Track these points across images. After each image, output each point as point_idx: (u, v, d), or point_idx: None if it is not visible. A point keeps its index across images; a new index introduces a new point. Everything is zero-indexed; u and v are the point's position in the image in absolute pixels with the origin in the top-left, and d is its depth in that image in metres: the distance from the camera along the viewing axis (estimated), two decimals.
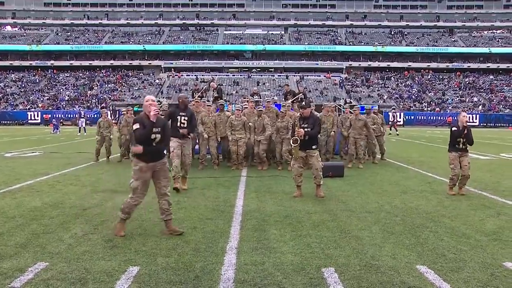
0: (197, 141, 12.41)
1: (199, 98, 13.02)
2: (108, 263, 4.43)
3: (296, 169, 7.92)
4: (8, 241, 5.15)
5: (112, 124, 13.78)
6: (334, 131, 12.80)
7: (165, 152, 5.63)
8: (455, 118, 8.58)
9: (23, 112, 53.62)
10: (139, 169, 5.36)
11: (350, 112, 13.38)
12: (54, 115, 47.83)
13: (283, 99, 15.05)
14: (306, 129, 7.71)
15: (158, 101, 17.13)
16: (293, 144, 7.64)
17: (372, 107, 15.54)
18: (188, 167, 8.75)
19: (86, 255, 4.66)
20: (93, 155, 13.50)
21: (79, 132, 30.76)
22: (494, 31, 79.81)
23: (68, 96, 61.59)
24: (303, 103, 8.18)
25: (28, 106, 56.80)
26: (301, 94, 14.94)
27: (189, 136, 8.63)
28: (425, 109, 57.61)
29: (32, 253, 4.72)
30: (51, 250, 4.84)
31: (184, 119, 8.44)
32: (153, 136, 5.36)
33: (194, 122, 8.89)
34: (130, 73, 70.76)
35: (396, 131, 31.67)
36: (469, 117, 50.20)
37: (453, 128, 8.25)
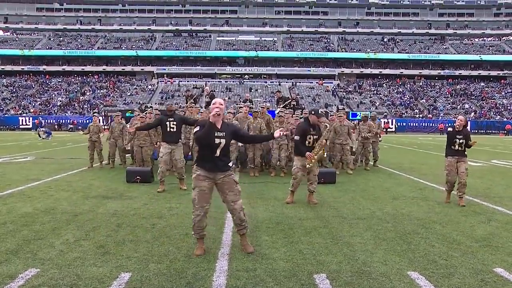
0: (189, 147, 12.40)
1: (193, 104, 13.02)
2: (100, 270, 4.42)
3: (299, 176, 7.89)
4: None
5: (102, 129, 13.78)
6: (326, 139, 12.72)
7: (230, 164, 5.11)
8: (448, 124, 8.46)
9: (14, 117, 53.35)
10: (196, 177, 5.00)
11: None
12: (46, 121, 47.66)
13: (276, 106, 15.07)
14: (314, 137, 7.70)
15: (150, 106, 17.15)
16: (324, 155, 7.58)
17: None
18: (181, 170, 9.20)
19: (78, 261, 4.64)
20: (88, 161, 13.47)
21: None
22: (485, 38, 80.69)
23: (60, 101, 61.36)
24: (319, 111, 8.09)
25: (20, 111, 56.51)
26: (293, 100, 14.97)
27: (180, 141, 9.18)
28: (417, 116, 57.91)
29: (23, 260, 4.70)
30: (42, 256, 4.81)
31: (173, 124, 8.95)
32: (216, 141, 4.89)
33: (191, 121, 9.52)
34: (122, 79, 70.71)
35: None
36: None
37: (449, 129, 8.16)
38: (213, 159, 4.95)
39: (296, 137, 7.80)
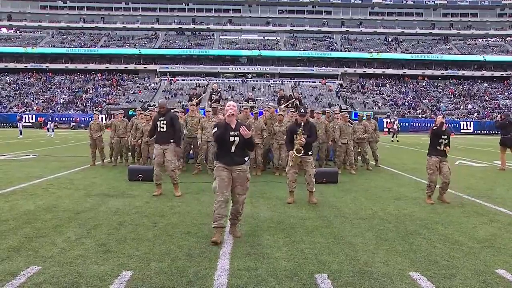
0: (191, 146, 12.39)
1: (195, 104, 13.00)
2: (101, 268, 4.42)
3: (291, 174, 7.93)
4: (1, 245, 5.12)
5: (103, 127, 13.79)
6: (331, 141, 12.64)
7: (246, 159, 5.74)
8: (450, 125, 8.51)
9: (15, 115, 53.32)
10: (216, 168, 5.65)
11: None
12: (48, 119, 47.69)
13: (277, 104, 15.02)
14: (303, 136, 7.74)
15: (154, 105, 17.17)
16: (296, 154, 7.65)
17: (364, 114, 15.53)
18: (173, 174, 8.44)
19: (79, 259, 4.65)
20: (90, 159, 13.49)
21: (21, 134, 30.49)
22: (488, 39, 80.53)
23: (63, 99, 61.44)
24: (302, 110, 8.12)
25: (23, 109, 56.57)
26: (296, 100, 14.93)
27: (171, 142, 8.51)
28: (419, 116, 57.77)
29: (25, 257, 4.70)
30: (44, 254, 4.82)
31: (163, 124, 8.46)
32: (231, 139, 5.55)
33: (178, 126, 8.79)
34: (125, 77, 70.76)
35: (396, 137, 31.85)
36: (463, 124, 50.45)
37: (434, 128, 8.18)
38: (230, 155, 5.62)
39: (285, 137, 7.98)
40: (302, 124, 7.91)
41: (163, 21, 79.41)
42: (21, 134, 30.49)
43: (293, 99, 14.96)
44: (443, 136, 8.06)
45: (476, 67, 73.31)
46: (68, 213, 6.74)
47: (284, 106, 13.73)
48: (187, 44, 75.88)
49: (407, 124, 53.56)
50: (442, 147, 8.08)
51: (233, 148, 5.58)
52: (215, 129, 5.63)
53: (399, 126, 34.05)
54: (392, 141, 30.70)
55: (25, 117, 52.14)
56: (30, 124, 49.70)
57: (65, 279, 4.11)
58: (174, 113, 9.04)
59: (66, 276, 4.18)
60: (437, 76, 72.86)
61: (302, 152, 7.64)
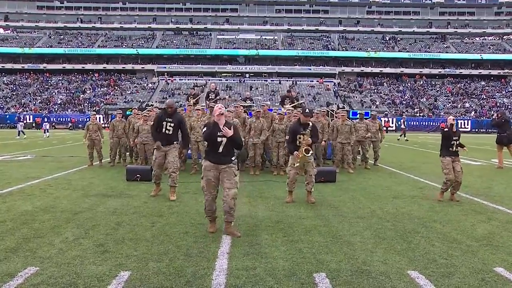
0: (189, 146, 12.36)
1: (192, 104, 12.97)
2: (99, 268, 4.41)
3: (292, 175, 7.90)
4: None
5: (101, 127, 13.76)
6: (325, 140, 12.55)
7: (232, 159, 5.88)
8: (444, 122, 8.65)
9: (14, 115, 53.22)
10: (204, 168, 5.82)
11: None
12: (44, 119, 47.59)
13: (279, 103, 14.96)
14: (305, 136, 7.72)
15: (151, 105, 17.16)
16: (305, 154, 7.62)
17: (366, 113, 15.50)
18: (174, 175, 8.12)
19: (77, 260, 4.64)
20: (87, 160, 13.45)
21: (18, 135, 30.44)
22: (485, 37, 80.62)
23: (61, 99, 61.34)
24: (307, 110, 8.07)
25: (20, 109, 56.46)
26: (294, 99, 14.91)
27: (175, 143, 8.20)
28: (417, 114, 57.82)
29: (23, 258, 4.69)
30: (41, 254, 4.80)
31: (170, 126, 8.03)
32: (218, 139, 5.70)
33: (186, 131, 8.43)
34: (123, 77, 70.69)
35: (404, 136, 31.70)
36: (461, 122, 50.51)
37: (445, 129, 8.31)
38: (217, 155, 5.77)
39: (287, 137, 7.94)
40: (310, 124, 7.85)
41: (161, 21, 79.34)
42: (18, 135, 30.44)
43: (300, 101, 14.91)
44: (454, 138, 8.21)
45: (474, 65, 73.42)
46: (66, 214, 6.73)
47: (292, 107, 13.69)
48: (185, 44, 75.85)
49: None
50: (455, 148, 8.23)
51: (220, 148, 5.74)
52: (205, 128, 5.81)
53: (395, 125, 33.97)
54: (399, 139, 30.56)
55: (23, 118, 52.12)
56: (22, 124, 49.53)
57: (63, 280, 4.10)
58: (182, 116, 8.64)
59: (64, 277, 4.17)
60: (434, 74, 72.93)
61: (311, 151, 7.63)
